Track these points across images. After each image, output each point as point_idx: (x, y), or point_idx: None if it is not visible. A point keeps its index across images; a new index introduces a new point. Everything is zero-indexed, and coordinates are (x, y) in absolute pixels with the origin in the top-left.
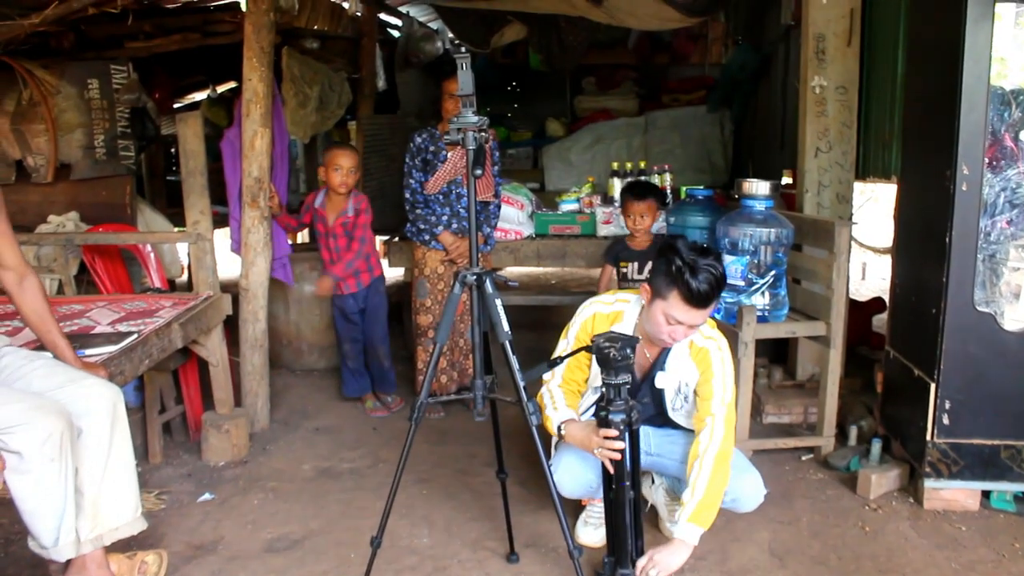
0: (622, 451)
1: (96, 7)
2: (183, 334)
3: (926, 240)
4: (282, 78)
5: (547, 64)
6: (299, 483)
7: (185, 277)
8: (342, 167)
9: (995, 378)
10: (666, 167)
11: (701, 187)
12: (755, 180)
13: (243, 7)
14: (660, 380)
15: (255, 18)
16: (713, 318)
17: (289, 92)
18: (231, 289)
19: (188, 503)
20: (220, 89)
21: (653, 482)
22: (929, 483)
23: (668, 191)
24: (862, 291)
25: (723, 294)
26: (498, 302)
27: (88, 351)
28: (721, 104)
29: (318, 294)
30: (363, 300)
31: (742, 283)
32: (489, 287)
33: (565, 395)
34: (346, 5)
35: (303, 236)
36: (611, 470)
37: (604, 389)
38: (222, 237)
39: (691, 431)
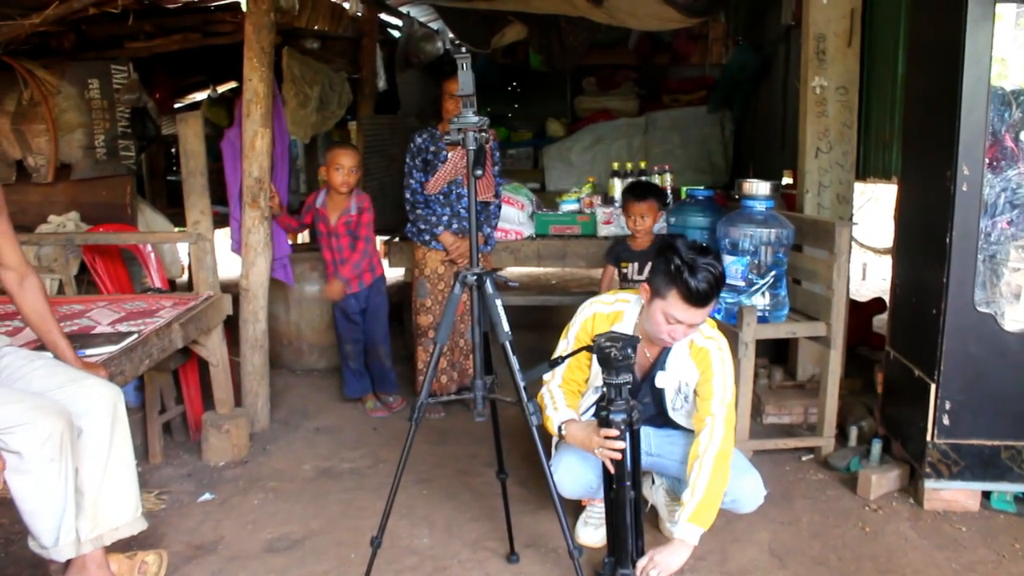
0: (623, 451)
1: (97, 7)
2: (183, 334)
3: (926, 240)
4: (282, 78)
5: (547, 64)
6: (299, 483)
7: (185, 277)
8: (343, 166)
9: (995, 378)
10: (666, 167)
11: (701, 187)
12: (755, 180)
13: (243, 7)
14: (660, 380)
15: (255, 18)
16: (713, 318)
17: (289, 92)
18: (231, 289)
19: (188, 503)
20: (220, 89)
21: (653, 482)
22: (929, 484)
23: (668, 191)
24: (862, 291)
25: (723, 294)
26: (498, 302)
27: (88, 351)
28: (721, 104)
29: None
30: (364, 300)
31: (742, 283)
32: (489, 287)
33: (565, 395)
34: (347, 5)
35: (303, 236)
36: (612, 470)
37: (605, 389)
38: (222, 237)
39: (691, 431)
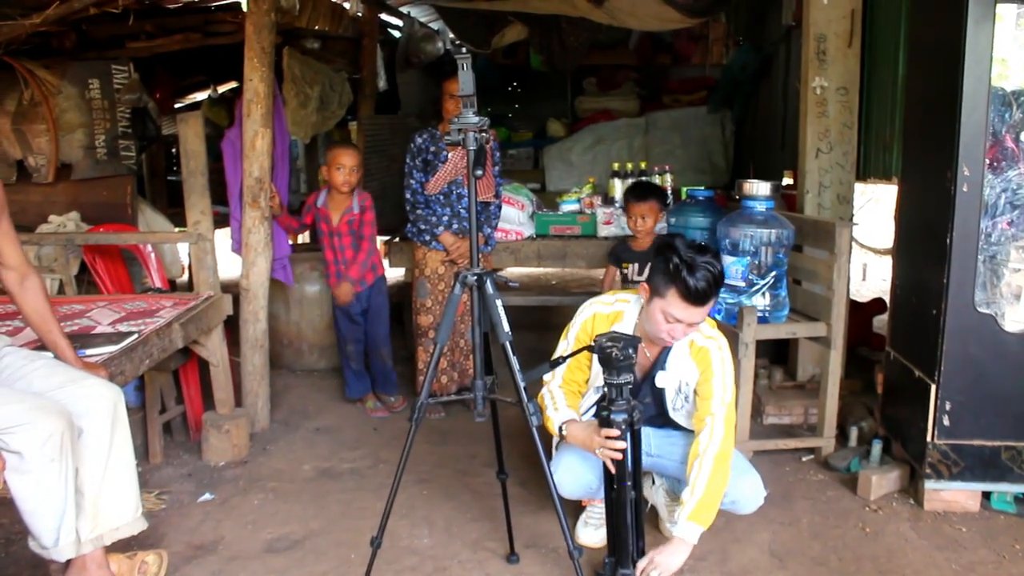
0: (623, 451)
1: (97, 7)
2: (184, 334)
3: (927, 241)
4: (283, 78)
5: (548, 65)
6: (299, 483)
7: (186, 277)
8: (345, 166)
9: (996, 379)
10: (667, 168)
11: (702, 188)
12: (756, 181)
13: (244, 7)
14: (661, 379)
15: (256, 18)
16: (713, 318)
17: (290, 92)
18: (232, 289)
19: (188, 503)
20: (221, 89)
21: (654, 483)
22: (929, 484)
23: (669, 192)
24: (863, 292)
25: (724, 295)
26: (498, 302)
27: (89, 351)
28: (722, 105)
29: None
30: (366, 300)
31: (743, 284)
32: (489, 287)
33: (566, 396)
34: (347, 5)
35: (303, 237)
36: (613, 470)
37: (606, 389)
38: (223, 237)
39: (691, 432)
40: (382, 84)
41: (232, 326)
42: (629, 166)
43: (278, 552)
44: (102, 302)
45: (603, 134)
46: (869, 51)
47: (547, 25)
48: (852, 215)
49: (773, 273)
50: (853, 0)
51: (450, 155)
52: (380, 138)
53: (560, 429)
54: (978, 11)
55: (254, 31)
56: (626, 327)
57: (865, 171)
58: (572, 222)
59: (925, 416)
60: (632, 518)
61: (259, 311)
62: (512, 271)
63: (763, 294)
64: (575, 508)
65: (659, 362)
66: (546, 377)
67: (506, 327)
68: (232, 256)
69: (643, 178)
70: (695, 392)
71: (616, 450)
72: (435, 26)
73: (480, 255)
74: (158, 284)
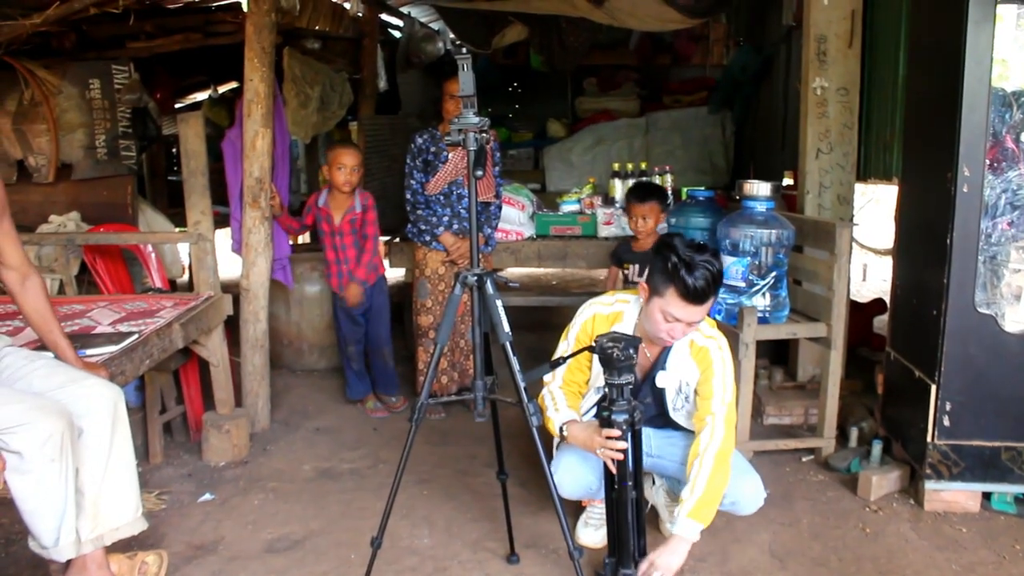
0: (624, 451)
1: (97, 7)
2: (184, 334)
3: (927, 242)
4: (283, 78)
5: (548, 65)
6: (299, 483)
7: (186, 277)
8: (346, 165)
9: (996, 380)
10: (667, 168)
11: (702, 188)
12: (756, 181)
13: (244, 7)
14: (661, 379)
15: (256, 18)
16: (714, 319)
17: (290, 92)
18: (232, 289)
19: (188, 503)
20: (221, 89)
21: (654, 483)
22: (930, 485)
23: (670, 192)
24: (863, 292)
25: (724, 295)
26: (499, 303)
27: (89, 351)
28: (722, 105)
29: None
30: (368, 300)
31: (743, 284)
32: (490, 288)
33: (567, 397)
34: (347, 6)
35: (304, 237)
36: (614, 470)
37: (606, 389)
38: (223, 237)
39: (691, 433)
40: (382, 84)
41: (232, 326)
42: (629, 166)
43: (278, 552)
44: (102, 302)
45: (603, 134)
46: (869, 52)
47: (547, 25)
48: (852, 216)
49: (773, 273)
50: (853, 1)
51: (450, 155)
52: (380, 138)
53: (561, 430)
54: (978, 12)
55: (254, 31)
56: (626, 327)
57: (865, 172)
58: (572, 222)
59: (925, 416)
60: (633, 518)
61: (259, 311)
62: (512, 271)
63: (763, 294)
64: (575, 508)
65: (659, 362)
66: (546, 378)
67: (506, 327)
68: (232, 256)
69: (643, 178)
70: (695, 392)
71: (617, 450)
72: (435, 26)
73: (480, 255)
74: (158, 284)
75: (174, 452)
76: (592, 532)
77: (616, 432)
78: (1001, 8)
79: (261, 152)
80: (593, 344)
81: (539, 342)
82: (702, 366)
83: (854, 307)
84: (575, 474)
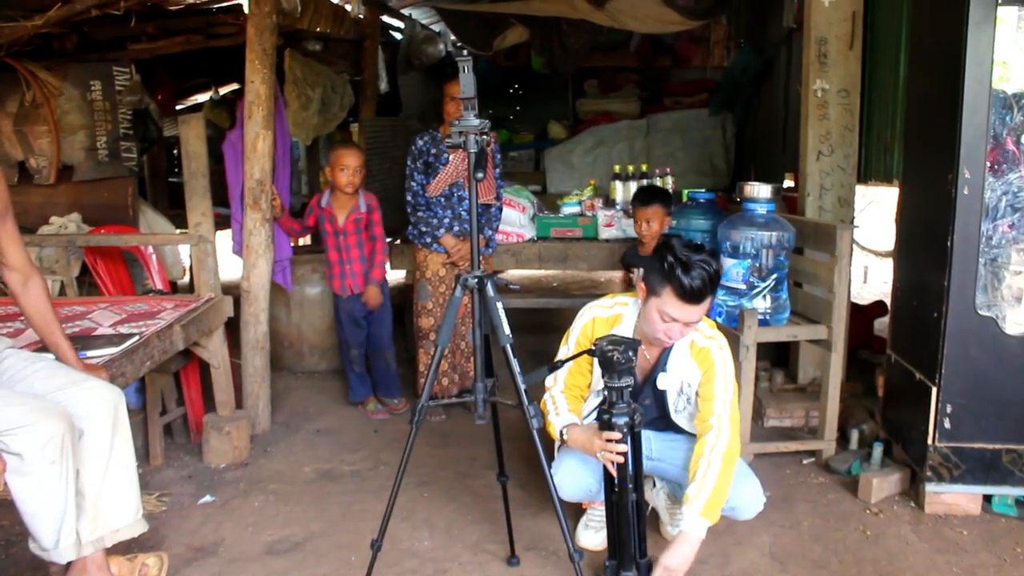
0: (624, 454)
1: (99, 9)
2: (184, 336)
3: (928, 244)
4: (284, 80)
5: (549, 67)
6: (300, 485)
7: (187, 279)
8: (348, 166)
9: (997, 382)
10: (668, 170)
11: (703, 190)
12: (757, 183)
13: (246, 9)
14: (662, 381)
15: (257, 20)
16: (714, 321)
17: (291, 94)
18: (233, 291)
19: (189, 505)
20: (222, 91)
21: (655, 485)
22: (930, 487)
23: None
24: (864, 295)
25: (724, 297)
26: (499, 305)
27: (90, 353)
28: (723, 107)
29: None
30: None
31: (743, 286)
32: (490, 290)
33: (568, 401)
34: (348, 7)
35: (304, 239)
36: (613, 473)
37: (606, 392)
38: (224, 239)
39: (692, 436)
40: (383, 86)
41: (233, 328)
42: (630, 168)
43: (279, 554)
44: (103, 304)
45: (604, 136)
46: (870, 54)
47: (548, 27)
48: (853, 218)
49: (774, 276)
50: (854, 2)
51: (451, 157)
52: (381, 140)
53: (561, 434)
54: (979, 14)
55: (255, 33)
56: (625, 329)
57: (866, 173)
58: (573, 224)
59: (926, 419)
60: (633, 520)
61: (260, 313)
62: (513, 273)
63: (764, 297)
64: (576, 511)
65: (660, 364)
66: (548, 382)
67: (507, 329)
68: (233, 258)
69: (644, 180)
70: (697, 394)
71: (617, 453)
72: (436, 28)
73: (481, 257)
74: (159, 286)
75: (174, 454)
76: (593, 534)
77: (616, 435)
78: (1002, 10)
79: (262, 154)
80: (592, 347)
81: (540, 344)
82: (703, 367)
83: (855, 309)
84: (575, 476)
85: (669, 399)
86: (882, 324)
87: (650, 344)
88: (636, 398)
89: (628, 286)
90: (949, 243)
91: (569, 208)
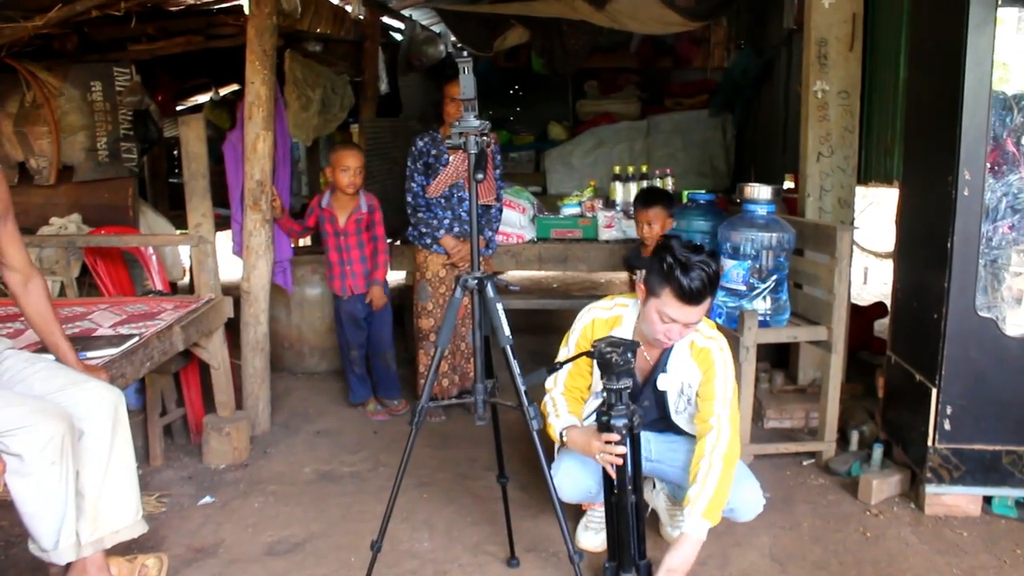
0: (624, 455)
1: (99, 9)
2: (184, 337)
3: (928, 245)
4: (285, 81)
5: (549, 68)
6: (300, 486)
7: (187, 280)
8: (350, 167)
9: (997, 383)
10: (668, 171)
11: (703, 191)
12: (757, 184)
13: (246, 10)
14: (662, 382)
15: (258, 21)
16: (714, 322)
17: (292, 95)
18: (233, 292)
19: (189, 506)
20: (223, 92)
21: (655, 486)
22: (930, 488)
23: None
24: (864, 296)
25: (725, 299)
26: (499, 306)
27: (89, 353)
28: (723, 108)
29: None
30: (371, 303)
31: (743, 288)
32: (490, 291)
33: (568, 402)
34: (349, 8)
35: (304, 239)
36: (612, 475)
37: (605, 394)
38: (224, 240)
39: (692, 437)
40: (384, 87)
41: (233, 329)
42: (630, 169)
43: (278, 555)
44: (103, 304)
45: (604, 137)
46: (870, 55)
47: (548, 28)
48: (853, 219)
49: (774, 277)
50: (854, 4)
51: (451, 158)
52: (381, 141)
53: (561, 435)
54: (979, 15)
55: (256, 34)
56: (625, 331)
57: (866, 175)
58: (573, 225)
59: (926, 420)
60: (633, 522)
61: (260, 314)
62: (513, 274)
63: (764, 298)
64: (575, 512)
65: (660, 365)
66: (548, 384)
67: (507, 330)
68: (233, 259)
69: (644, 181)
70: (697, 394)
71: (616, 455)
72: (437, 29)
73: (481, 258)
74: (159, 286)
75: (174, 455)
76: (592, 536)
77: (615, 436)
78: (1002, 11)
79: (262, 155)
80: (592, 349)
81: (540, 345)
82: (704, 367)
83: (855, 311)
84: (575, 478)
85: (669, 400)
86: (882, 325)
87: (650, 345)
88: (636, 399)
89: (633, 288)
90: (949, 244)
91: (569, 209)
